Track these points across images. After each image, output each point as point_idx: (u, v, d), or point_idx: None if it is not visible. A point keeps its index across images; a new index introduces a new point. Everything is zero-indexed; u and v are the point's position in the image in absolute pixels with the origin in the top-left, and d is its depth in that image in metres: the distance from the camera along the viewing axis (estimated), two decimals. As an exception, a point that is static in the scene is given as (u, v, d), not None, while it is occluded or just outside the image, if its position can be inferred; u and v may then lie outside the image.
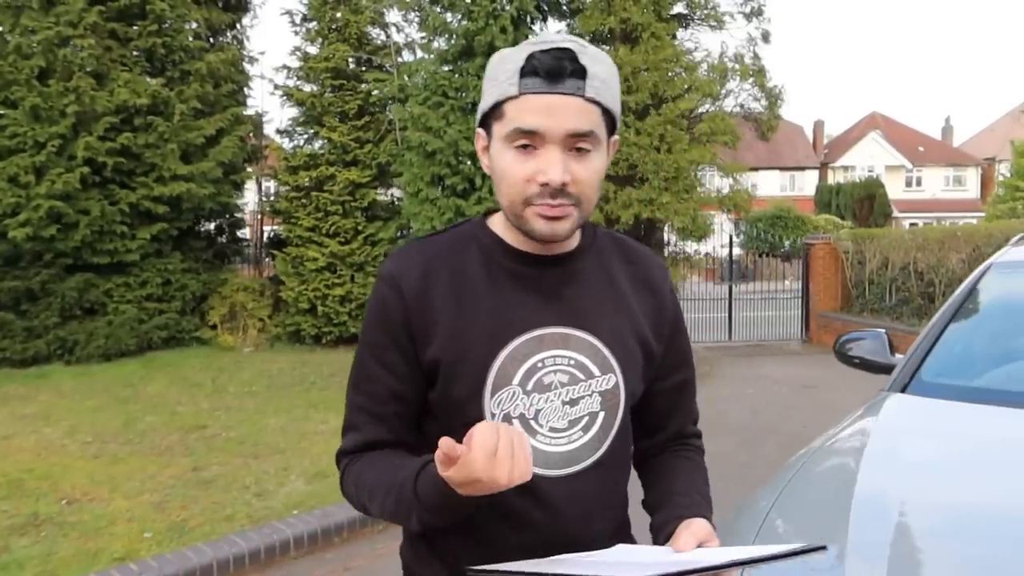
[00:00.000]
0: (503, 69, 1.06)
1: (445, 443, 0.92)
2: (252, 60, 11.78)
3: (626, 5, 9.94)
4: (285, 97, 11.36)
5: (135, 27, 9.81)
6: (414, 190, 10.07)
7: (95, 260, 9.50)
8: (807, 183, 45.74)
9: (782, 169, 46.64)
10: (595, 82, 1.04)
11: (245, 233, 12.85)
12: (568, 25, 11.00)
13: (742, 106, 11.51)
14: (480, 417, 1.07)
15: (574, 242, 1.16)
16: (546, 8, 10.85)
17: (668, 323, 1.23)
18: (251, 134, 11.58)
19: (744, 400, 7.83)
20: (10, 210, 8.86)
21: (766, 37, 11.26)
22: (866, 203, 33.26)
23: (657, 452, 1.29)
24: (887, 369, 2.58)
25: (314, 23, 11.38)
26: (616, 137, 1.14)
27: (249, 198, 13.25)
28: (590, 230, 1.20)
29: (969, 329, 2.60)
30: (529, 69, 1.02)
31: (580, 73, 1.02)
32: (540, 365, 1.10)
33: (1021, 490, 1.64)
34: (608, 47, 10.64)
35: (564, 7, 10.93)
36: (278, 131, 11.86)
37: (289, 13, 11.59)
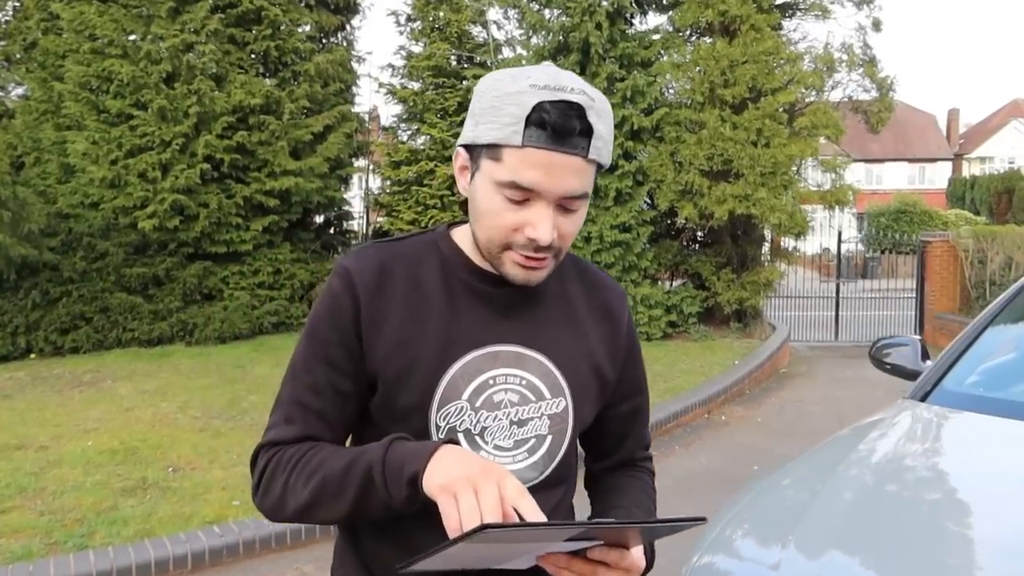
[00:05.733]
0: (507, 110, 0.97)
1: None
2: (360, 60, 12.32)
3: (724, -3, 9.76)
4: (389, 95, 11.85)
5: (252, 31, 10.49)
6: (508, 185, 10.28)
7: (213, 249, 10.25)
8: (938, 176, 43.10)
9: (911, 161, 44.13)
10: (598, 142, 0.99)
11: (352, 225, 13.47)
12: (668, 18, 10.88)
13: (850, 98, 11.02)
14: (425, 429, 1.05)
15: None
16: (643, 2, 10.82)
17: (623, 351, 1.20)
18: (357, 131, 12.11)
19: (831, 403, 7.61)
20: (140, 203, 9.70)
21: (877, 25, 10.75)
22: (1004, 197, 30.94)
23: (606, 475, 1.27)
24: (915, 376, 2.56)
25: (418, 23, 11.82)
26: None
27: (358, 191, 13.88)
28: None
29: (1003, 340, 2.53)
30: (536, 120, 0.95)
31: (587, 132, 0.97)
32: (491, 382, 1.07)
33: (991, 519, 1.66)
34: (707, 39, 10.47)
35: (662, 1, 10.83)
36: (382, 128, 12.38)
37: (395, 14, 12.08)
